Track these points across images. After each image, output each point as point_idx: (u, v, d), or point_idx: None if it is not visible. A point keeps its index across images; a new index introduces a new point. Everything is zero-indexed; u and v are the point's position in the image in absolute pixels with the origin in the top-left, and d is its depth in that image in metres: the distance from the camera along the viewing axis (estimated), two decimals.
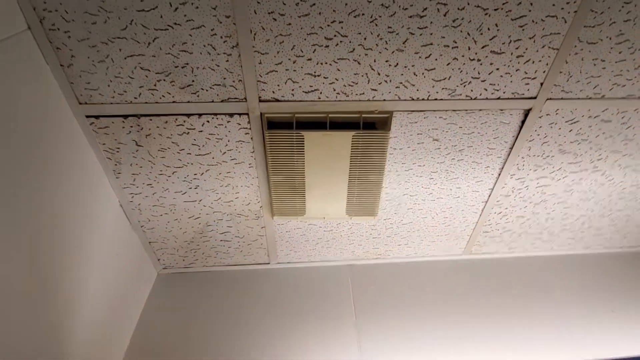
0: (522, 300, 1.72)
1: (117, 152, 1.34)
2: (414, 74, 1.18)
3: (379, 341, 1.56)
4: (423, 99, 1.24)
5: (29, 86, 1.03)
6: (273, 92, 1.20)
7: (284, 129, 1.26)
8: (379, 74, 1.17)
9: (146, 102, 1.21)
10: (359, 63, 1.15)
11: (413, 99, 1.24)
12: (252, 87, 1.18)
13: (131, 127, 1.27)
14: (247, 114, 1.25)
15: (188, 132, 1.30)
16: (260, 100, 1.22)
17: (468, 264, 1.89)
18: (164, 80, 1.16)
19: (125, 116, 1.24)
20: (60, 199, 1.15)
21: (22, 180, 1.00)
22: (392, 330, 1.59)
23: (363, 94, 1.22)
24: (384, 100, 1.24)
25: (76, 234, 1.22)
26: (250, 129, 1.29)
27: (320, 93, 1.21)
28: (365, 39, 1.09)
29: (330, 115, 1.25)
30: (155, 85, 1.17)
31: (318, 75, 1.17)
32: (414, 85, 1.21)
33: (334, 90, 1.20)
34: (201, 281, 1.82)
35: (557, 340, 1.56)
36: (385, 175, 1.48)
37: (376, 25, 1.07)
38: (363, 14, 1.05)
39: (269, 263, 1.86)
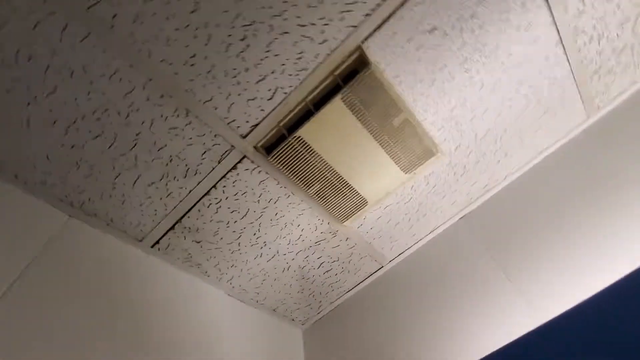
0: None
1: (190, 257, 1.46)
2: None
3: (527, 269, 1.20)
4: (378, 4, 1.01)
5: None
6: (246, 121, 1.15)
7: (282, 143, 1.17)
8: (314, 25, 1.01)
9: (174, 207, 1.30)
10: (288, 33, 1.01)
11: (369, 14, 1.02)
12: (227, 131, 1.15)
13: (182, 232, 1.37)
14: (245, 156, 1.22)
15: (220, 205, 1.33)
16: (243, 137, 1.18)
17: (604, 124, 1.36)
18: (169, 181, 1.23)
19: (172, 227, 1.35)
20: (174, 328, 1.28)
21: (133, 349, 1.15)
22: (537, 253, 1.22)
23: (318, 54, 1.06)
24: (342, 41, 1.05)
25: (201, 341, 1.33)
26: (258, 166, 1.25)
27: (282, 88, 1.10)
28: (271, 7, 0.96)
29: (307, 99, 1.12)
30: (167, 189, 1.25)
31: (266, 75, 1.07)
32: (356, 2, 0.99)
33: (290, 75, 1.08)
34: (339, 317, 1.76)
35: None
36: (413, 108, 1.22)
37: None
38: None
39: (382, 266, 1.70)
